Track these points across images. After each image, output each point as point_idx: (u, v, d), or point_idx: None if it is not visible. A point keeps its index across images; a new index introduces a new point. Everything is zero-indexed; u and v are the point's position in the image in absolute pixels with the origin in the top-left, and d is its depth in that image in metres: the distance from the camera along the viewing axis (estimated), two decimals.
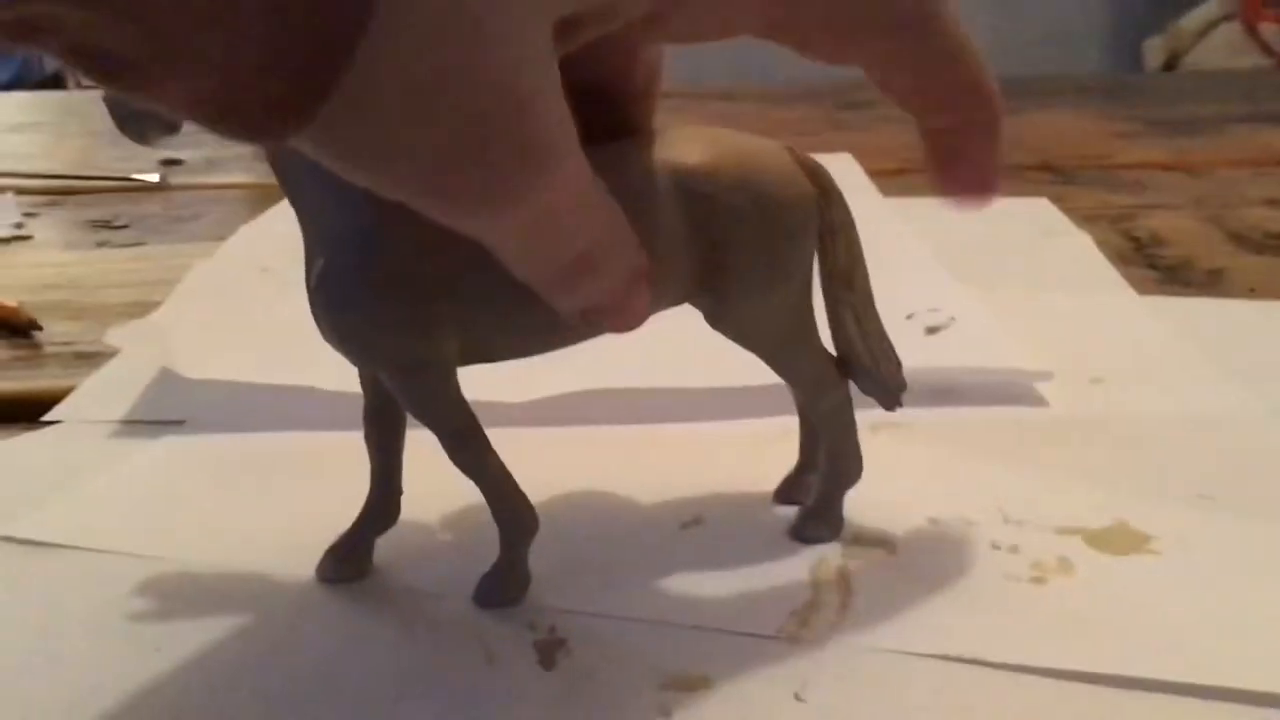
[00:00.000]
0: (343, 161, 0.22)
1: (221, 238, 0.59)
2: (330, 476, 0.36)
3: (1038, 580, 0.31)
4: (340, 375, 0.40)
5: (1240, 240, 0.58)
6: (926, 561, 0.32)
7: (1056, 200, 0.64)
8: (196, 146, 0.83)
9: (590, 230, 0.25)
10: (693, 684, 0.27)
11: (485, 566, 0.31)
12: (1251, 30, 2.09)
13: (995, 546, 0.32)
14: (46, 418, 0.41)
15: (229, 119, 0.20)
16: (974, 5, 2.01)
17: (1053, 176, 0.71)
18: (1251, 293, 0.51)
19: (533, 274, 0.25)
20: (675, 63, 0.31)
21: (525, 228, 0.23)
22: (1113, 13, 2.38)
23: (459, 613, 0.30)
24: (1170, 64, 2.09)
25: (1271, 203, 0.64)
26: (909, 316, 0.47)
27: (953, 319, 0.46)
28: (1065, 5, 2.35)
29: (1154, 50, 2.13)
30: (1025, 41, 2.28)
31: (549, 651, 0.28)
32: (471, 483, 0.30)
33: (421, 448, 0.31)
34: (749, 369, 0.42)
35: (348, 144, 0.21)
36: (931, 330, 0.46)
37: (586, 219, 0.24)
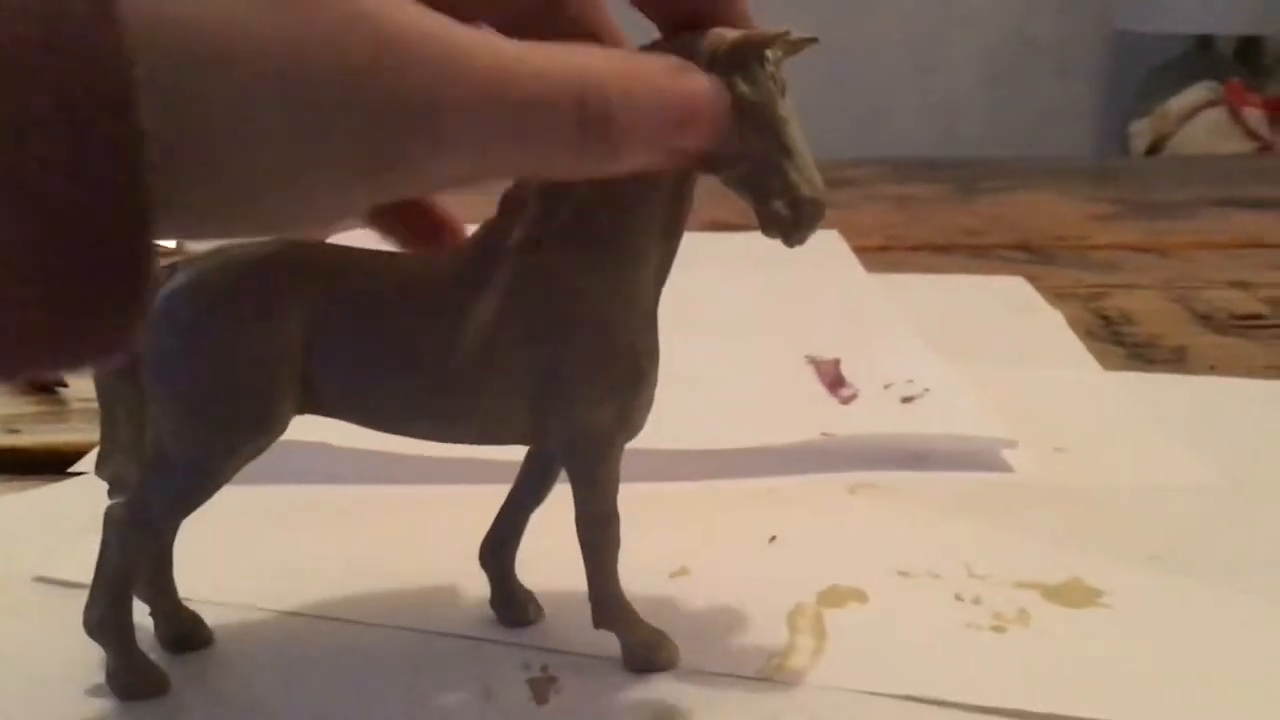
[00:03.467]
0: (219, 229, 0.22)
1: None
2: (336, 524, 0.39)
3: (997, 629, 0.33)
4: (348, 433, 0.43)
5: (1205, 320, 0.61)
6: (896, 610, 0.34)
7: (1032, 279, 0.67)
8: None
9: (554, 76, 0.23)
10: (674, 719, 0.30)
11: (483, 609, 0.34)
12: (1236, 115, 2.14)
13: (959, 598, 0.35)
14: (73, 469, 0.43)
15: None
16: (967, 89, 2.06)
17: (1029, 256, 0.75)
18: (1212, 370, 0.54)
19: (560, 149, 0.24)
20: None
21: (495, 133, 0.23)
22: (1101, 96, 2.44)
23: (458, 652, 0.32)
24: (1156, 146, 2.14)
25: (1237, 284, 0.67)
26: (886, 386, 0.50)
27: (927, 390, 0.49)
28: (1054, 89, 2.41)
29: (1140, 133, 2.18)
30: (1016, 124, 2.33)
31: (542, 689, 0.31)
32: (474, 530, 0.33)
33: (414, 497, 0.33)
34: (733, 433, 0.45)
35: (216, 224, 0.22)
36: (907, 400, 0.48)
37: (545, 72, 0.23)
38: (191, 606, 0.33)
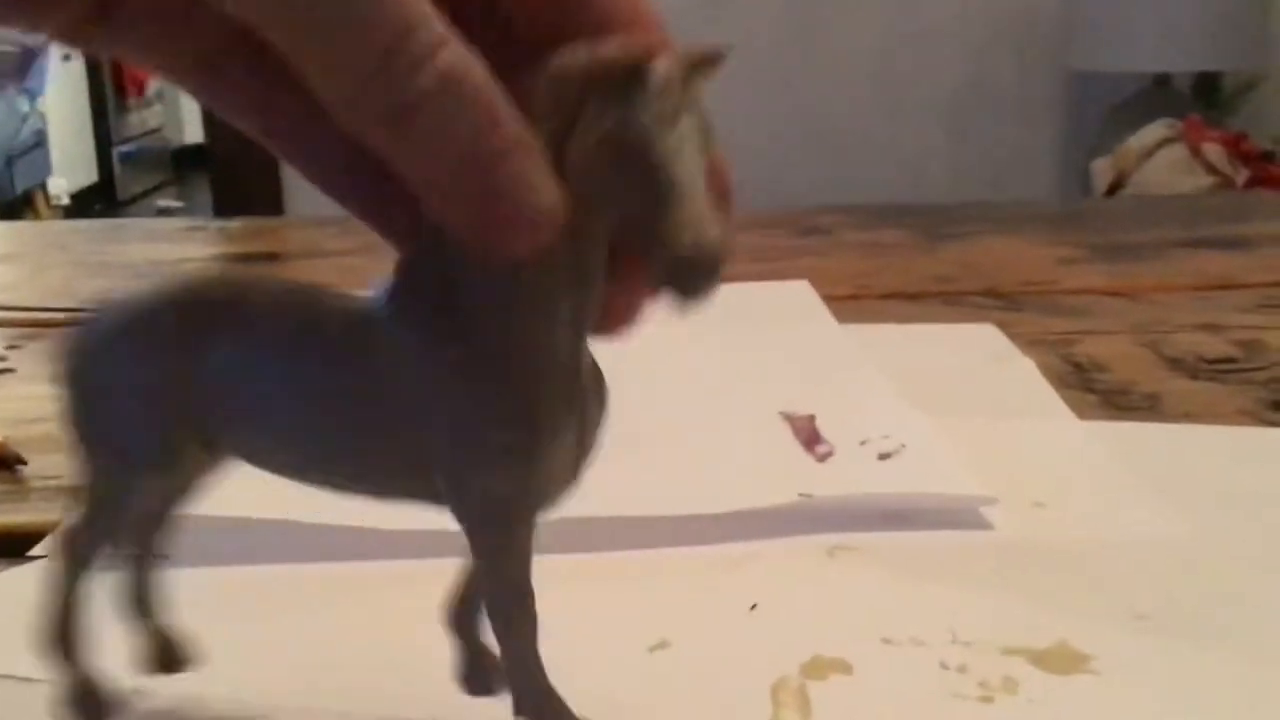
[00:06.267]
0: None
1: None
2: (296, 604, 0.38)
3: (985, 699, 0.33)
4: (306, 507, 0.42)
5: (1176, 365, 0.61)
6: (880, 681, 0.34)
7: (1003, 325, 0.67)
8: None
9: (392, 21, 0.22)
10: None
11: (448, 686, 0.32)
12: (1195, 151, 2.17)
13: (944, 666, 0.34)
14: (32, 552, 0.42)
15: None
16: (927, 133, 2.09)
17: (999, 303, 0.75)
18: (1187, 417, 0.54)
19: (324, 84, 0.23)
20: None
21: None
22: (1061, 136, 2.47)
23: None
24: (1118, 184, 2.16)
25: (1205, 327, 0.67)
26: (863, 443, 0.49)
27: (903, 445, 0.48)
28: (1015, 131, 2.44)
29: (1102, 171, 2.21)
30: (979, 168, 2.36)
31: None
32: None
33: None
34: (709, 496, 0.44)
35: None
36: (884, 456, 0.48)
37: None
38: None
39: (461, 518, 0.28)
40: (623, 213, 0.24)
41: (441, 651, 0.32)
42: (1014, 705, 0.32)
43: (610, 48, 0.24)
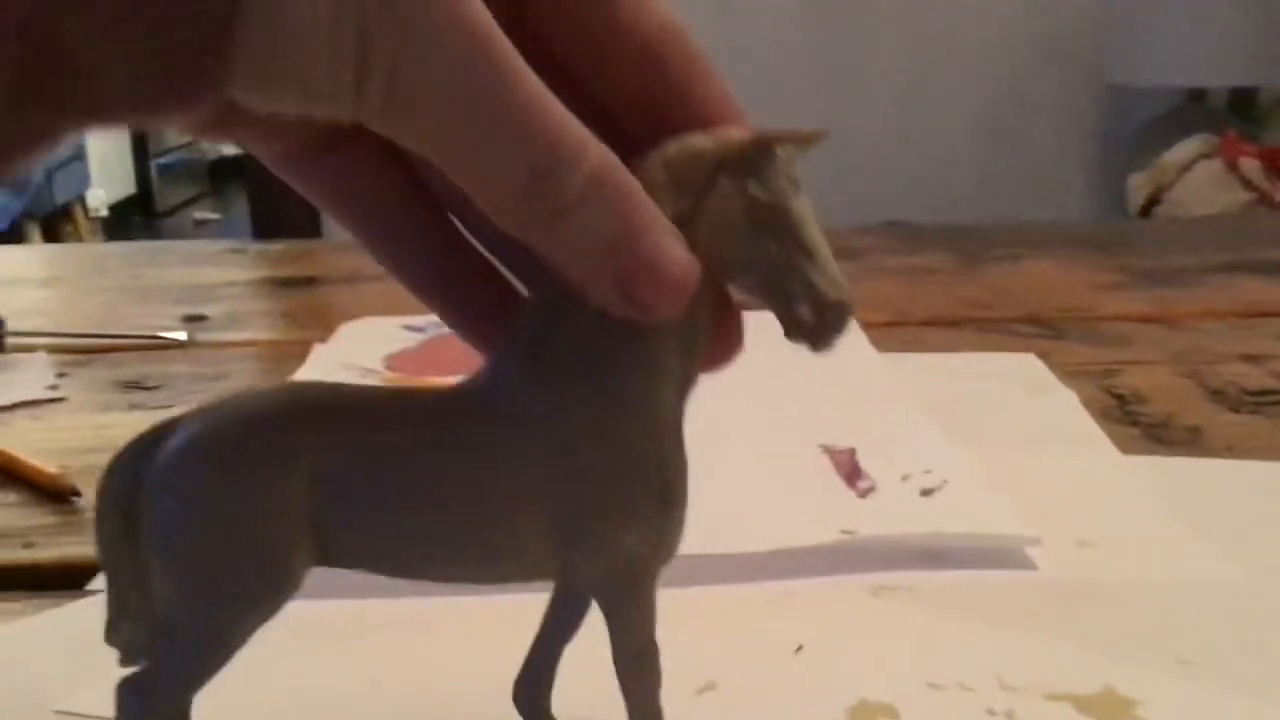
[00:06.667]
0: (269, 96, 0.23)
1: None
2: (351, 650, 0.39)
3: None
4: None
5: (1218, 397, 0.61)
6: None
7: (1043, 355, 0.67)
8: (219, 301, 0.86)
9: (541, 131, 0.24)
10: None
11: None
12: (1232, 166, 2.16)
13: (991, 713, 0.35)
14: (90, 586, 0.43)
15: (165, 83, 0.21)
16: (961, 147, 2.08)
17: (1039, 330, 0.75)
18: (1229, 451, 0.54)
19: (486, 195, 0.24)
20: None
21: (451, 123, 0.23)
22: (1096, 151, 2.45)
23: None
24: (1154, 199, 2.15)
25: (1247, 358, 0.67)
26: (904, 478, 0.50)
27: (945, 481, 0.49)
28: (1049, 145, 2.43)
29: (1138, 186, 2.19)
30: (1011, 184, 2.35)
31: None
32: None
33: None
34: (751, 534, 0.45)
35: (265, 76, 0.22)
36: (926, 493, 0.48)
37: (530, 116, 0.23)
38: None
39: (594, 582, 0.29)
40: (765, 272, 0.26)
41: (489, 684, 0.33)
42: None
43: (733, 133, 0.27)
